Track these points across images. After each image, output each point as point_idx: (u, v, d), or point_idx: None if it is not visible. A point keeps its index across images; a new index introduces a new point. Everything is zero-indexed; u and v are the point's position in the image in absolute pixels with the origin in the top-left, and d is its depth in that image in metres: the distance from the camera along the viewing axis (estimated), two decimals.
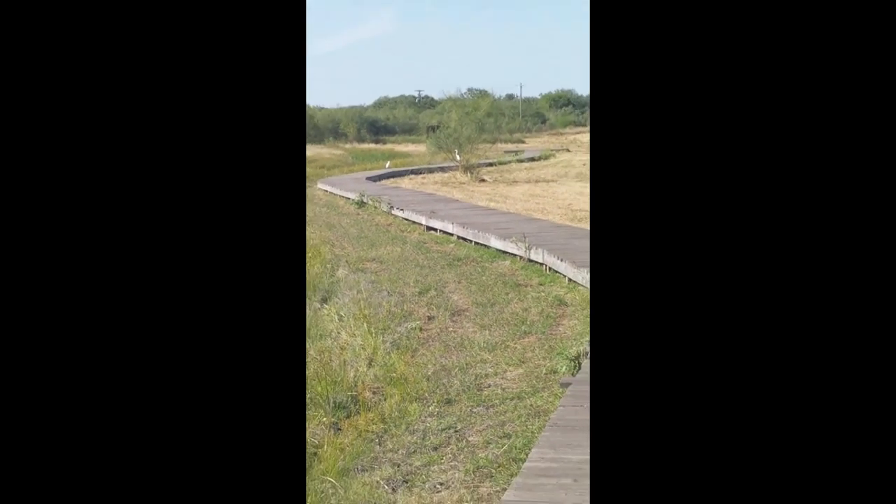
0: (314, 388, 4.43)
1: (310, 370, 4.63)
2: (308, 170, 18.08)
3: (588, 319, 4.05)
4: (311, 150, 28.38)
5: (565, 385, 4.16)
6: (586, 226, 8.30)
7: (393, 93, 64.13)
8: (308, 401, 4.24)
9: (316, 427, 4.07)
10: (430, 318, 6.67)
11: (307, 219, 9.67)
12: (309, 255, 7.87)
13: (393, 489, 3.12)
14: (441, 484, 3.11)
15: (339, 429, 4.15)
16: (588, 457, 3.38)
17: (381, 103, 57.88)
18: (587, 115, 44.55)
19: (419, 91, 63.54)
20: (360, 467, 3.43)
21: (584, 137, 32.51)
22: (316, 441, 3.89)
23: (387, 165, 23.91)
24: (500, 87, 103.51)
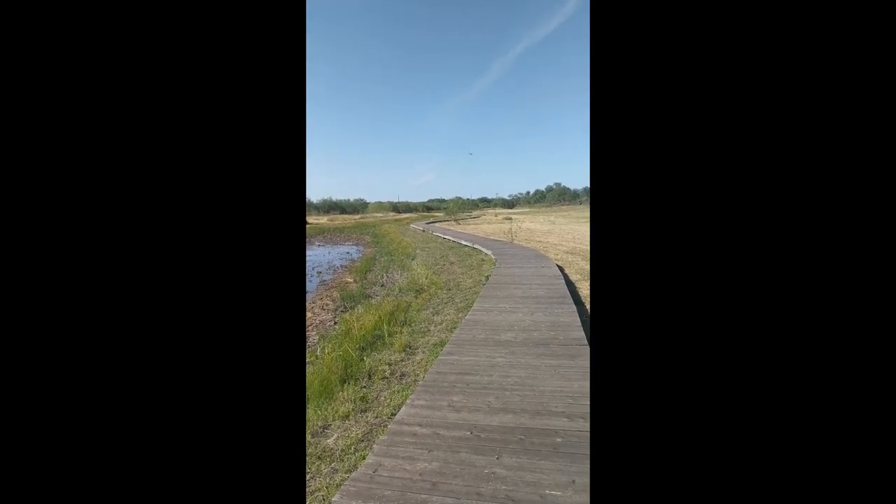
0: (410, 285, 8.25)
1: (407, 281, 8.86)
2: (407, 220, 43.24)
3: (490, 267, 9.10)
4: (408, 214, 72.64)
5: (485, 285, 7.26)
6: (492, 237, 17.22)
7: (434, 196, 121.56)
8: (407, 287, 8.14)
9: (409, 297, 7.30)
10: (443, 264, 11.08)
11: (410, 236, 22.41)
12: (407, 246, 16.00)
13: (433, 314, 6.02)
14: (447, 313, 5.97)
15: (416, 297, 7.27)
16: (491, 303, 5.58)
17: (432, 201, 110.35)
18: (492, 204, 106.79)
19: (441, 197, 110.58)
20: (423, 309, 6.41)
21: (492, 210, 73.67)
22: (408, 300, 7.01)
23: (430, 220, 42.85)
24: (471, 193, 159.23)
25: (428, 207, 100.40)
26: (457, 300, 6.78)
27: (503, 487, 2.01)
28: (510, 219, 36.14)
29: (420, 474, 2.13)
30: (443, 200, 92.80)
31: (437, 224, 32.43)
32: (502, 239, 16.07)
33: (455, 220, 38.73)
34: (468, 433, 2.48)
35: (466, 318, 5.09)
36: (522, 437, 2.41)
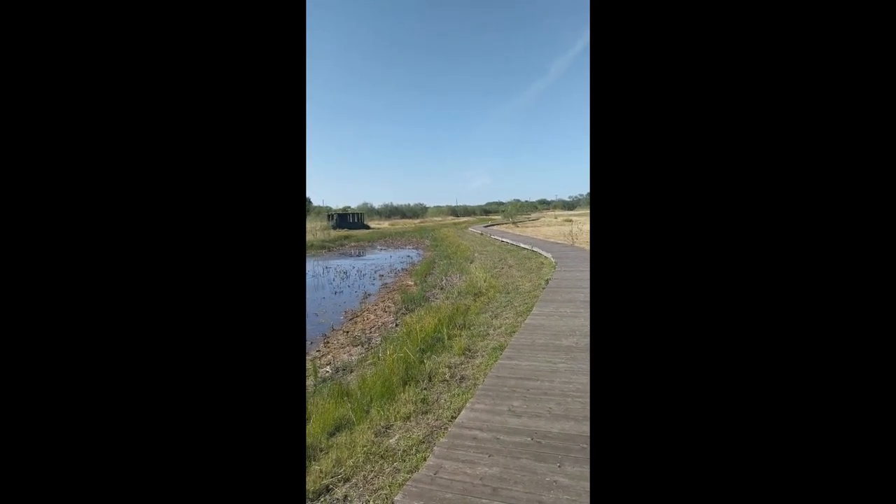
0: (469, 289, 8.36)
1: (466, 284, 8.98)
2: (465, 224, 46.05)
3: (550, 270, 9.03)
4: (466, 217, 73.52)
5: (544, 288, 7.32)
6: (552, 240, 16.70)
7: (491, 199, 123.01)
8: (465, 290, 8.25)
9: (468, 301, 7.38)
10: (501, 267, 11.09)
11: (468, 239, 23.90)
12: (465, 250, 16.38)
13: (492, 318, 5.98)
14: (506, 317, 5.91)
15: (475, 301, 7.33)
16: (553, 306, 5.49)
17: (490, 204, 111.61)
18: (551, 205, 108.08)
19: (499, 200, 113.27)
20: (481, 312, 6.42)
21: (551, 212, 76.20)
22: (467, 303, 7.11)
23: (488, 223, 43.51)
24: (529, 196, 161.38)
25: (486, 210, 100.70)
26: (516, 304, 6.72)
27: (565, 497, 1.96)
28: (570, 221, 35.15)
29: (480, 479, 2.13)
30: (500, 203, 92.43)
31: (494, 227, 32.55)
32: (562, 241, 15.69)
33: (513, 223, 38.73)
34: (529, 439, 2.45)
35: (526, 322, 5.05)
36: (585, 445, 2.34)
